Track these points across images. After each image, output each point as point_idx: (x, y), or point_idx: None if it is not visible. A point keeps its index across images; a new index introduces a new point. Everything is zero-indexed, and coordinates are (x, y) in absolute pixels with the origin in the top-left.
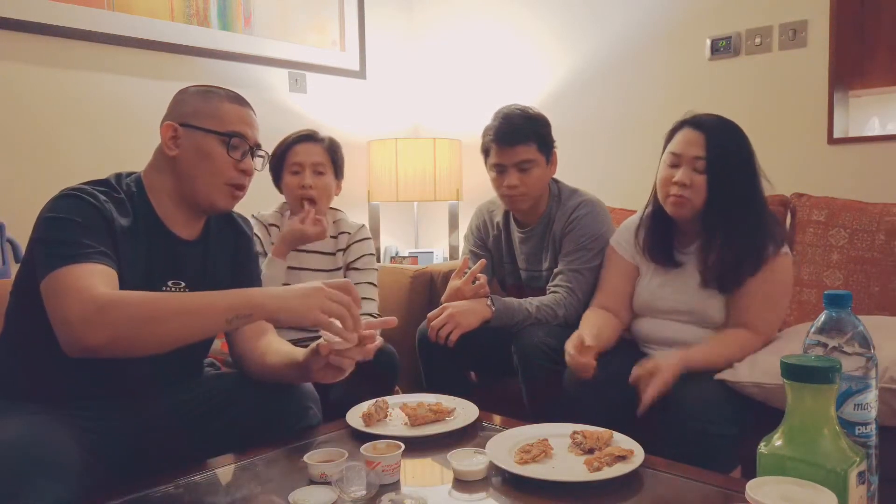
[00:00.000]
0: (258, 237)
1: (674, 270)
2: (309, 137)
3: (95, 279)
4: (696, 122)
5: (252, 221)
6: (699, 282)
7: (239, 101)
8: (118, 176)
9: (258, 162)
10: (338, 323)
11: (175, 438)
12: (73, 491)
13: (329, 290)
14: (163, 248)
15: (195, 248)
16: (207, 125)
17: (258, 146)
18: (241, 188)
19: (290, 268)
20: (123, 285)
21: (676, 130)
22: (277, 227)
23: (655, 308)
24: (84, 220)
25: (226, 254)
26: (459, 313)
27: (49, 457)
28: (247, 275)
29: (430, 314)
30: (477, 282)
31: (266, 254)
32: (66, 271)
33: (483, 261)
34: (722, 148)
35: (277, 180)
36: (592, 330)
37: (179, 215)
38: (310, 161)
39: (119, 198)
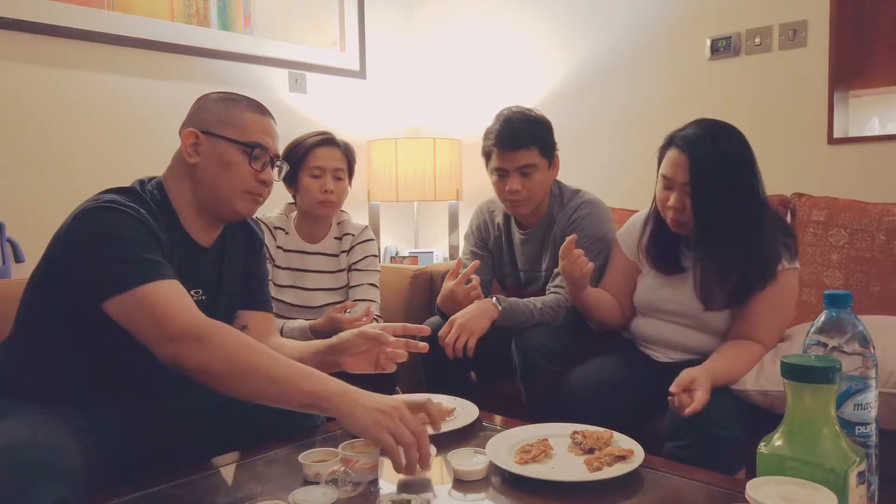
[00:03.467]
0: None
1: (678, 275)
2: (330, 142)
3: (187, 299)
4: (681, 142)
5: None
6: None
7: (261, 110)
8: (141, 183)
9: (277, 172)
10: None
11: (178, 439)
12: (74, 492)
13: (406, 412)
14: (187, 257)
15: (212, 255)
16: (230, 134)
17: (278, 157)
18: (261, 196)
19: (294, 269)
20: None
21: (666, 148)
22: (283, 230)
23: (656, 308)
24: (138, 237)
25: (239, 259)
26: (469, 320)
27: (51, 458)
28: (255, 278)
29: (440, 333)
30: (469, 283)
31: (272, 259)
32: (152, 289)
33: (477, 262)
34: (705, 170)
35: (293, 182)
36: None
37: (199, 222)
38: (332, 166)
39: (152, 210)
